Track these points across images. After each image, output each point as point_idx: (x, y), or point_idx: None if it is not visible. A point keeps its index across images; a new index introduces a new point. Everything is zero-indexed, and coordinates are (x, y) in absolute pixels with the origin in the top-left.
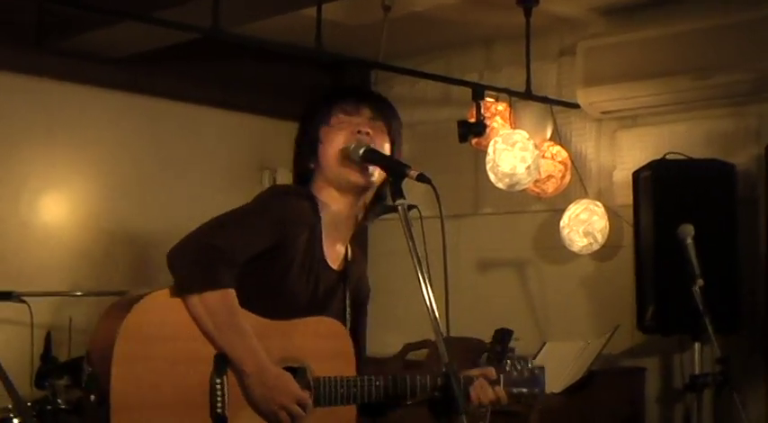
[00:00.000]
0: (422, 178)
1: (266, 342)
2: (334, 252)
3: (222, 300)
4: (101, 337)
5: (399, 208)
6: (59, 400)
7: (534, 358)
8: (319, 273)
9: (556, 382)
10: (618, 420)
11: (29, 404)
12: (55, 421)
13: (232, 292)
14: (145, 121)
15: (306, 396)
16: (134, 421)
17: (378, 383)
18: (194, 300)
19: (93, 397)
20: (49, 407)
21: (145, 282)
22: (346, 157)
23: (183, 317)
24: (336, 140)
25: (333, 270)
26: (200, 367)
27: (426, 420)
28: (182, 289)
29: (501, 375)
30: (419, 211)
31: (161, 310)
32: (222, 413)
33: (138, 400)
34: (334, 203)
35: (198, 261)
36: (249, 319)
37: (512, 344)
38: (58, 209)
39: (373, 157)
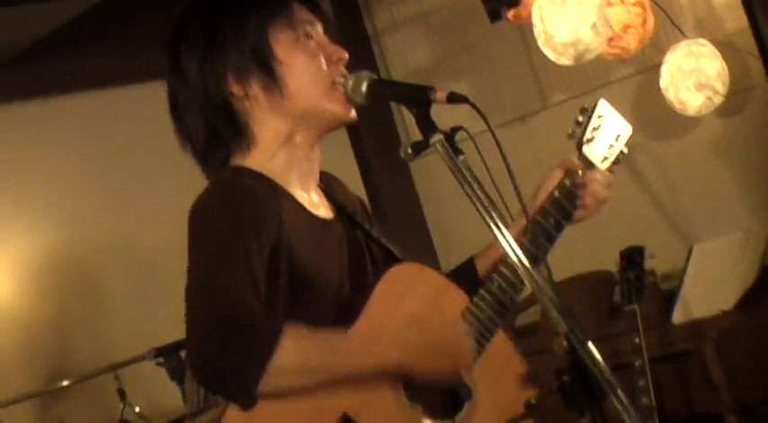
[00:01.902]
0: (454, 99)
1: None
2: (317, 201)
3: (293, 346)
4: None
5: (438, 146)
6: None
7: (685, 271)
8: (323, 236)
9: (723, 295)
10: None
11: None
12: None
13: (290, 327)
14: (78, 126)
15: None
16: None
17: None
18: (268, 380)
19: None
20: None
21: (141, 337)
22: (333, 89)
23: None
24: (314, 64)
25: (331, 220)
26: None
27: None
28: (246, 388)
29: (582, 152)
30: (466, 131)
31: None
32: None
33: None
34: (291, 148)
35: (227, 344)
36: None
37: (648, 265)
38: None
39: (383, 90)
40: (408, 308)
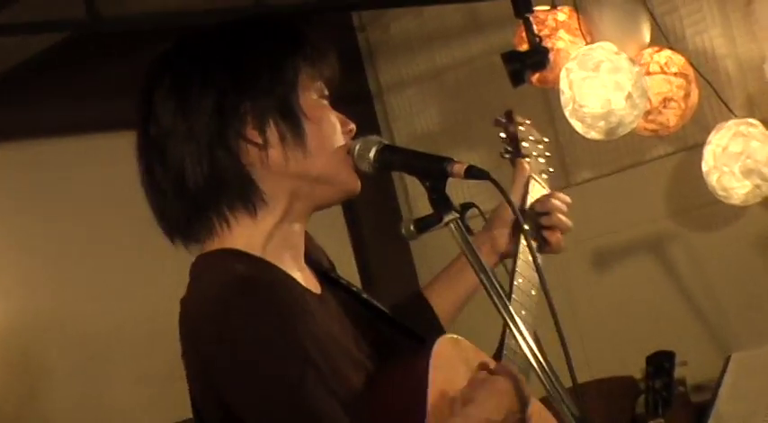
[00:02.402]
0: (474, 174)
1: None
2: (309, 276)
3: None
4: None
5: (452, 226)
6: None
7: (720, 383)
8: (329, 315)
9: (763, 412)
10: None
11: None
12: None
13: None
14: (20, 180)
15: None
16: None
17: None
18: None
19: None
20: None
21: None
22: (347, 158)
23: None
24: (335, 126)
25: (323, 293)
26: None
27: None
28: None
29: (529, 173)
30: (479, 208)
31: None
32: None
33: None
34: (290, 221)
35: None
36: None
37: (677, 373)
38: None
39: (393, 158)
40: (460, 386)
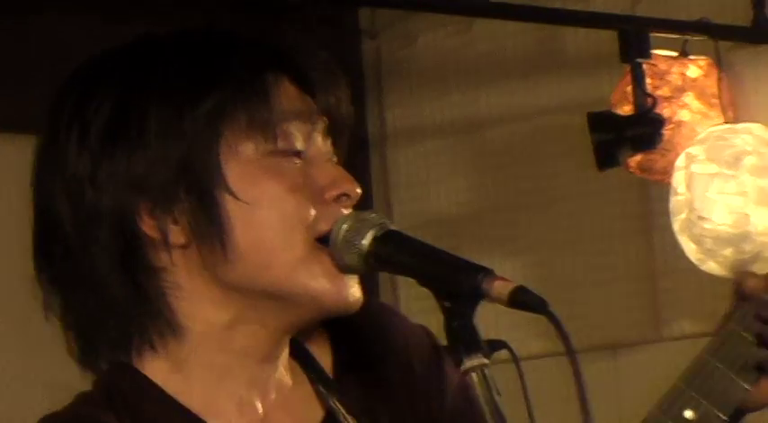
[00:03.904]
0: (523, 302)
1: None
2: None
3: None
4: None
5: (475, 376)
6: None
7: None
8: None
9: None
10: None
11: None
12: None
13: None
14: None
15: None
16: None
17: None
18: None
19: None
20: None
21: None
22: (317, 246)
23: None
24: (292, 203)
25: None
26: None
27: None
28: None
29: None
30: (511, 350)
31: None
32: None
33: None
34: (230, 354)
35: None
36: None
37: None
38: None
39: (400, 254)
40: None
